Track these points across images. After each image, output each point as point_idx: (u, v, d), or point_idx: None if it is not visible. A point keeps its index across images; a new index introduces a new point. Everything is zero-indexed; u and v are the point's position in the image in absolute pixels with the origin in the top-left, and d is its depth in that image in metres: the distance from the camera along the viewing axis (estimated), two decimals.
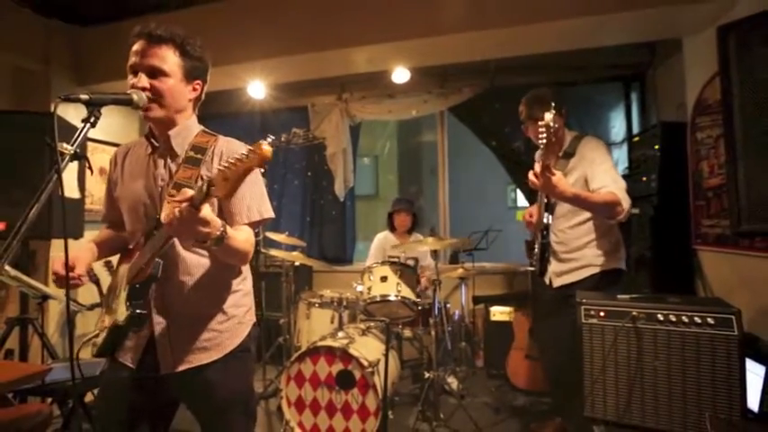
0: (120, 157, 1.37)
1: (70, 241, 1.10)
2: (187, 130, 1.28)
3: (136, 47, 1.20)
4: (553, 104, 1.80)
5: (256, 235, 2.86)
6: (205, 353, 1.25)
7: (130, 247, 1.32)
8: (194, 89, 1.29)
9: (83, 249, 1.32)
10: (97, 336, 1.27)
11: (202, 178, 0.95)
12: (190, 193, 0.97)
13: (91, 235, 1.50)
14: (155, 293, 1.23)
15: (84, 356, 1.27)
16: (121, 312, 1.19)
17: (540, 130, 1.70)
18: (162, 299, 1.24)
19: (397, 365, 2.89)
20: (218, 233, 1.05)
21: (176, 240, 1.23)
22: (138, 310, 1.16)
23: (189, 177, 1.19)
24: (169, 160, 1.27)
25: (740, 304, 1.56)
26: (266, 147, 0.91)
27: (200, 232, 1.01)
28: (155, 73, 1.19)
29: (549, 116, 1.69)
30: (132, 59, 1.20)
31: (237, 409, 1.29)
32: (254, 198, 1.26)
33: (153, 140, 1.29)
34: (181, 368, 1.23)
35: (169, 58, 1.20)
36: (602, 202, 1.94)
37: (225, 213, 1.24)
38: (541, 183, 1.83)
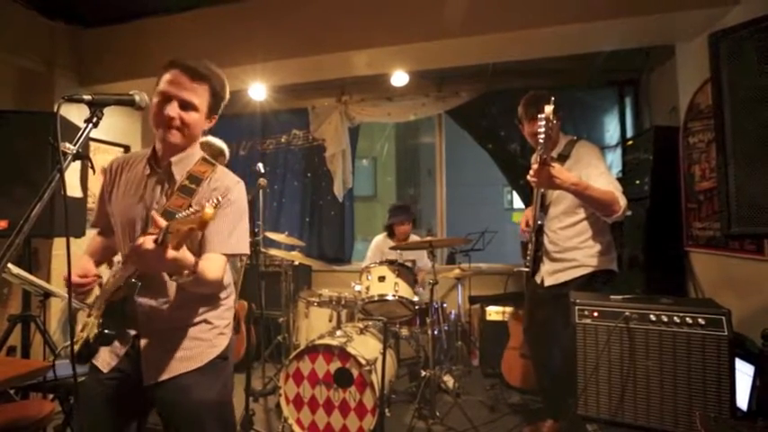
0: (117, 169, 1.35)
1: (72, 241, 1.11)
2: (189, 157, 1.29)
3: (173, 77, 1.21)
4: (553, 99, 1.83)
5: (256, 234, 2.88)
6: (187, 361, 1.25)
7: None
8: (210, 122, 1.32)
9: (84, 260, 1.35)
10: (77, 342, 1.25)
11: (191, 206, 0.95)
12: (154, 235, 0.97)
13: (92, 234, 1.51)
14: (139, 309, 1.23)
15: None
16: (93, 329, 1.18)
17: (540, 123, 1.72)
18: (147, 315, 1.24)
19: (394, 364, 2.92)
20: (186, 275, 1.06)
21: None
22: (105, 330, 1.14)
23: (180, 206, 1.17)
24: (167, 186, 1.27)
25: (730, 305, 1.60)
26: (207, 210, 0.90)
27: (162, 269, 1.04)
28: (186, 106, 1.21)
29: (548, 109, 1.71)
30: (167, 87, 1.20)
31: (211, 416, 1.27)
32: (233, 232, 1.24)
33: (154, 164, 1.29)
34: (163, 378, 1.23)
35: (203, 96, 1.24)
36: (603, 195, 1.97)
37: (201, 240, 1.23)
38: (541, 176, 1.86)
